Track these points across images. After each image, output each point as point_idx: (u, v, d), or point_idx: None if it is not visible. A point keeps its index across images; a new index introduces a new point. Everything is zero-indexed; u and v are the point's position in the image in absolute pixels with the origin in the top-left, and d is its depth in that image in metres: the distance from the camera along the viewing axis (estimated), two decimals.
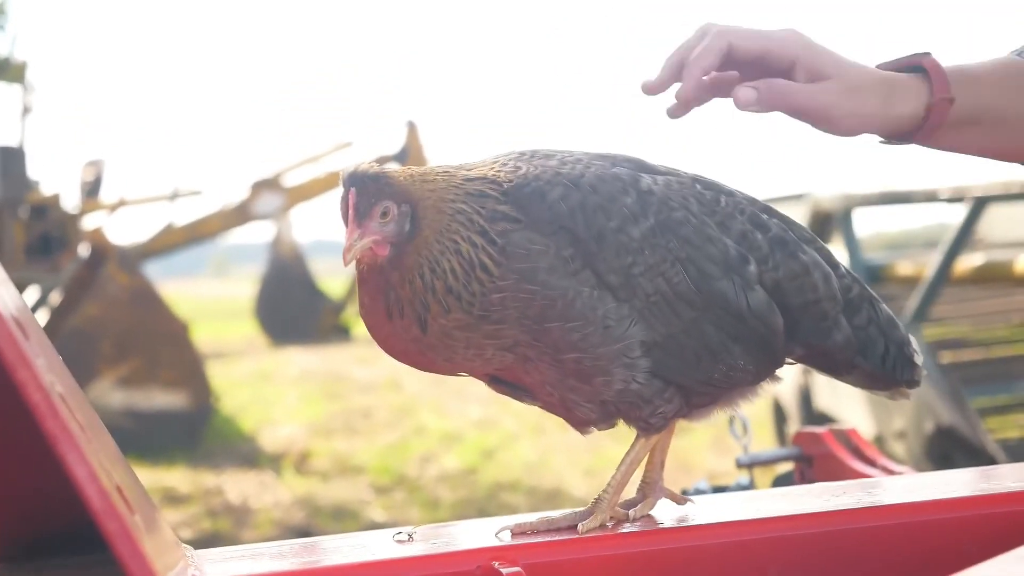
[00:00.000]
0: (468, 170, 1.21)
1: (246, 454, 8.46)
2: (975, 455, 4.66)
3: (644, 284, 1.17)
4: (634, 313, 1.17)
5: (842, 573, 1.25)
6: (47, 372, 0.89)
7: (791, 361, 1.28)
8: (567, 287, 1.15)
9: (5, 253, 11.64)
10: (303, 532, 6.29)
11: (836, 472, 1.82)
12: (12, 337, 0.86)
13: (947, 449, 4.87)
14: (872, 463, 1.82)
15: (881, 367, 1.28)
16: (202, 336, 13.09)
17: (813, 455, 1.91)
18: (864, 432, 5.24)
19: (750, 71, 1.23)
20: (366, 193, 1.15)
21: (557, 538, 1.21)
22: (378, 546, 1.22)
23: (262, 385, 11.79)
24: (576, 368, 1.17)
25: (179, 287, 31.73)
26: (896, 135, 1.26)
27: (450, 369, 1.21)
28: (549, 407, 1.24)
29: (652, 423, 1.22)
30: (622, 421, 1.23)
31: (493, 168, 1.21)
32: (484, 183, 1.18)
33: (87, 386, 8.00)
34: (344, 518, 6.64)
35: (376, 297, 1.18)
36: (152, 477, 7.42)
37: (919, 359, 1.31)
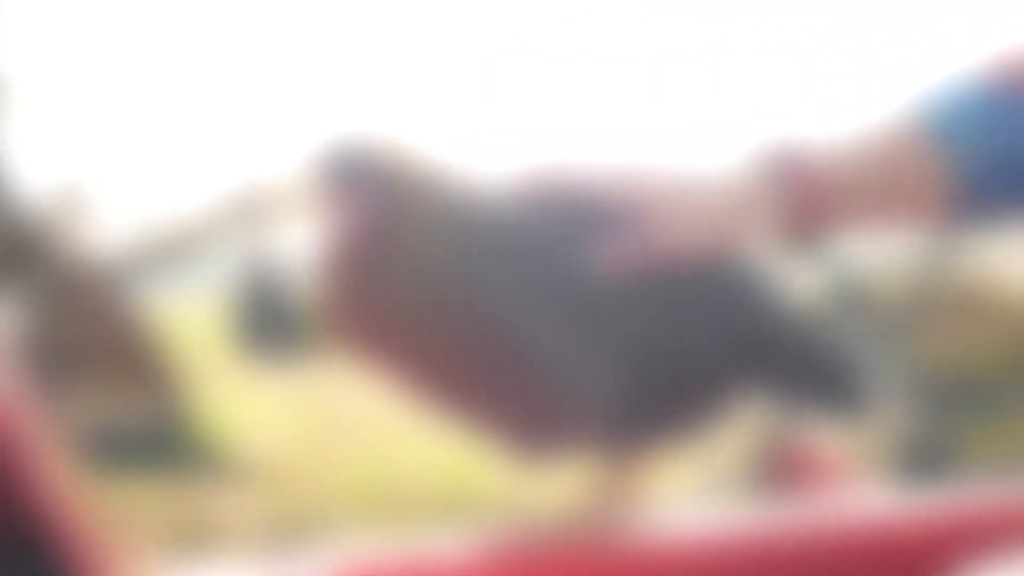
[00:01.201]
0: None
1: (221, 468, 8.45)
2: (952, 475, 4.68)
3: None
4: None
5: None
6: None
7: None
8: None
9: None
10: (279, 549, 6.28)
11: (804, 489, 1.82)
12: None
13: (923, 468, 4.90)
14: (842, 481, 1.82)
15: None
16: (180, 346, 13.06)
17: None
18: (836, 450, 5.27)
19: None
20: None
21: (529, 550, 1.21)
22: (344, 560, 1.22)
23: (240, 397, 11.79)
24: None
25: (158, 296, 31.68)
26: None
27: None
28: None
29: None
30: None
31: None
32: None
33: (55, 398, 7.97)
34: (323, 533, 6.63)
35: None
36: (120, 492, 7.40)
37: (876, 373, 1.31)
